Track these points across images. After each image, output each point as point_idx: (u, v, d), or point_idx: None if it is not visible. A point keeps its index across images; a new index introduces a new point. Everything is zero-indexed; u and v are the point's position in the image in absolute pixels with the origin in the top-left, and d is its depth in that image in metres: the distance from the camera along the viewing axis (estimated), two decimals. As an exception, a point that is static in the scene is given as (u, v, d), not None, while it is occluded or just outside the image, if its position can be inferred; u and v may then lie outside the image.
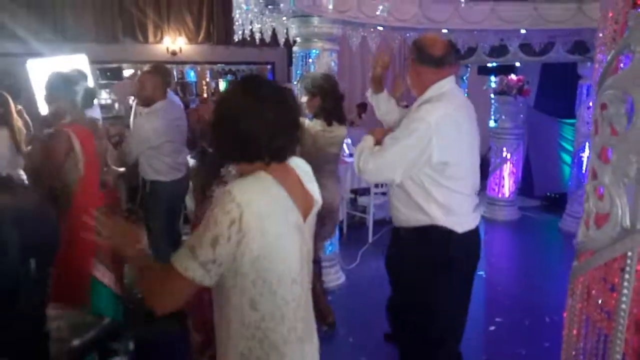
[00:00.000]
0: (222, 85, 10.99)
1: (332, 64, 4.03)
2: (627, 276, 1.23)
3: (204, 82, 10.65)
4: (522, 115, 6.14)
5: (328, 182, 3.10)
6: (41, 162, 2.81)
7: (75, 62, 5.29)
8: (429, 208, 2.10)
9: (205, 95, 10.58)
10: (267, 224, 1.25)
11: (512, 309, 3.81)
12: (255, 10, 2.86)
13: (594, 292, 1.41)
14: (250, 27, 3.11)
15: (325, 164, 3.13)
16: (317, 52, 3.93)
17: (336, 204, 3.34)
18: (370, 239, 5.26)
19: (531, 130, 6.78)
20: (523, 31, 4.93)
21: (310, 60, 3.91)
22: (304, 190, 1.44)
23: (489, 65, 6.04)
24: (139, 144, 3.50)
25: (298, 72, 4.02)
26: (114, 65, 9.08)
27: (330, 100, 3.17)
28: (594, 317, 1.40)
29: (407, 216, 2.19)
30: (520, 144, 6.30)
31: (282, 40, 3.86)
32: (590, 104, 5.35)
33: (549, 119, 6.77)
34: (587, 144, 5.46)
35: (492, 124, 6.21)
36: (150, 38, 9.05)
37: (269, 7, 3.07)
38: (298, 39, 3.99)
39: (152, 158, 3.56)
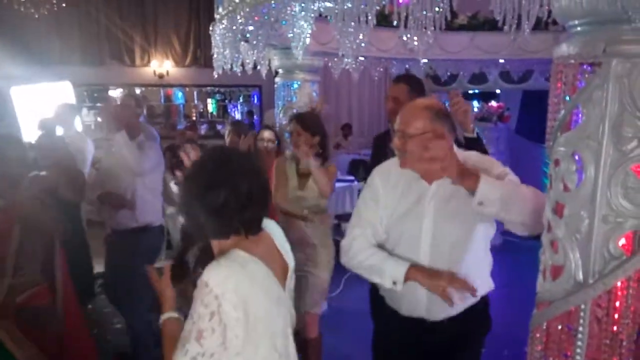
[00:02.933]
0: (210, 106, 11.03)
1: (314, 94, 4.11)
2: (580, 328, 1.27)
3: (192, 104, 10.71)
4: (503, 142, 6.24)
5: None
6: None
7: (59, 89, 5.33)
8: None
9: (193, 117, 10.62)
10: (248, 308, 1.25)
11: (493, 340, 3.80)
12: (231, 48, 2.90)
13: (553, 338, 1.44)
14: (230, 63, 3.16)
15: None
16: (299, 83, 4.01)
17: None
18: (353, 265, 5.24)
19: (513, 155, 6.86)
20: (502, 60, 5.05)
21: (293, 91, 3.99)
22: (280, 257, 1.43)
23: (471, 92, 6.15)
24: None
25: (280, 102, 4.10)
26: (100, 88, 9.13)
27: (325, 140, 3.02)
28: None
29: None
30: (502, 170, 6.37)
31: (264, 72, 3.93)
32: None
33: (531, 144, 6.88)
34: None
35: (474, 149, 6.29)
36: (137, 61, 9.14)
37: (244, 43, 3.13)
38: (280, 70, 4.07)
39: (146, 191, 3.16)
